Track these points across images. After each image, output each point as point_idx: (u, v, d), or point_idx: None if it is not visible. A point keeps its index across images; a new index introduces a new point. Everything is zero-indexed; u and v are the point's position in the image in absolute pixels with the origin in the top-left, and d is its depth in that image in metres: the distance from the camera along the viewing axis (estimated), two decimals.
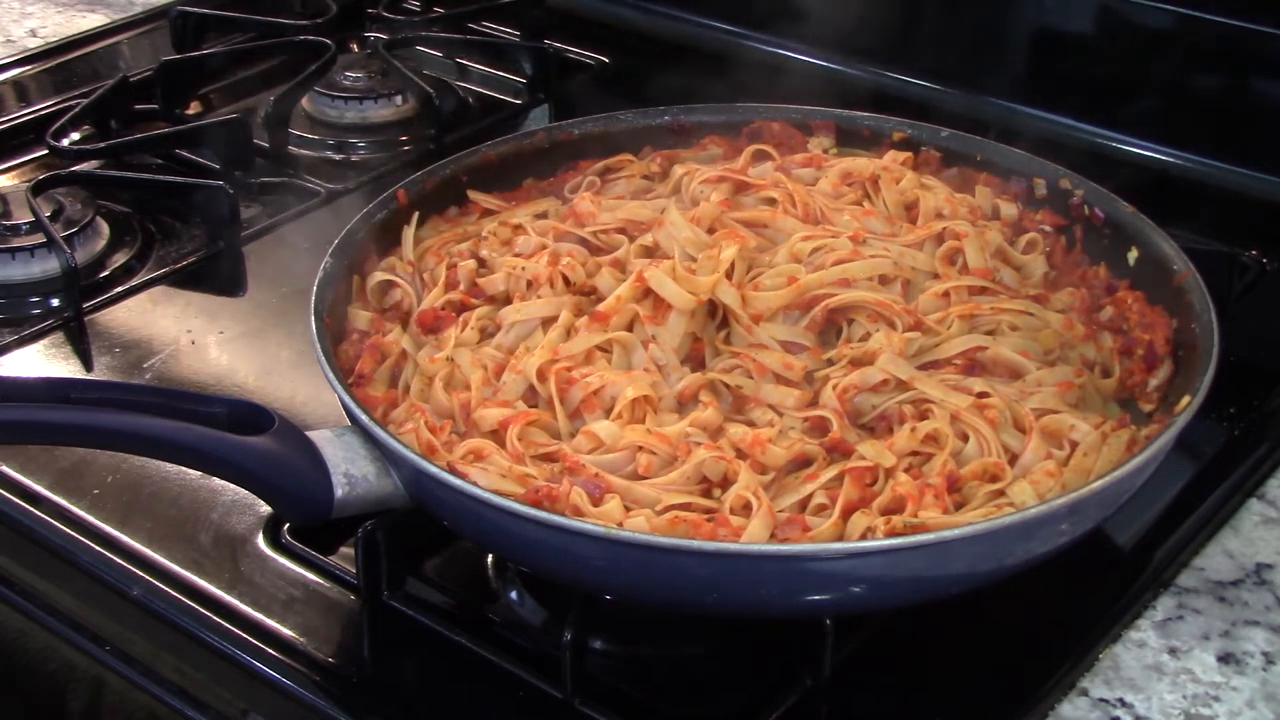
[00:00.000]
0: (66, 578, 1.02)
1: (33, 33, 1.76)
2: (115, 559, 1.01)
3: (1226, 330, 1.01)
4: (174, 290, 1.31)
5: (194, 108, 1.60)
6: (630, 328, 1.04)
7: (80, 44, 1.72)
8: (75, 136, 1.49)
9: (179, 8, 1.68)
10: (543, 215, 1.19)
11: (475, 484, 0.90)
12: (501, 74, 1.66)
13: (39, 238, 1.29)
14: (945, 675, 0.94)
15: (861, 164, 1.21)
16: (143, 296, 1.29)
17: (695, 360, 1.04)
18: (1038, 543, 0.90)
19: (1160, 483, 0.99)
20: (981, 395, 0.99)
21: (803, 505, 0.94)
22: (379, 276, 1.12)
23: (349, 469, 0.94)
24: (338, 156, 1.52)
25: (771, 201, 1.16)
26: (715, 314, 1.05)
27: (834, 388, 0.99)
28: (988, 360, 1.03)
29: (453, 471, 0.92)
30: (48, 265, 1.29)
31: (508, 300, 1.10)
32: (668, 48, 1.66)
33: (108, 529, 1.03)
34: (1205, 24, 1.39)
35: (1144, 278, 1.12)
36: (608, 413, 0.99)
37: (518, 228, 1.16)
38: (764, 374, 1.01)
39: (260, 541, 1.02)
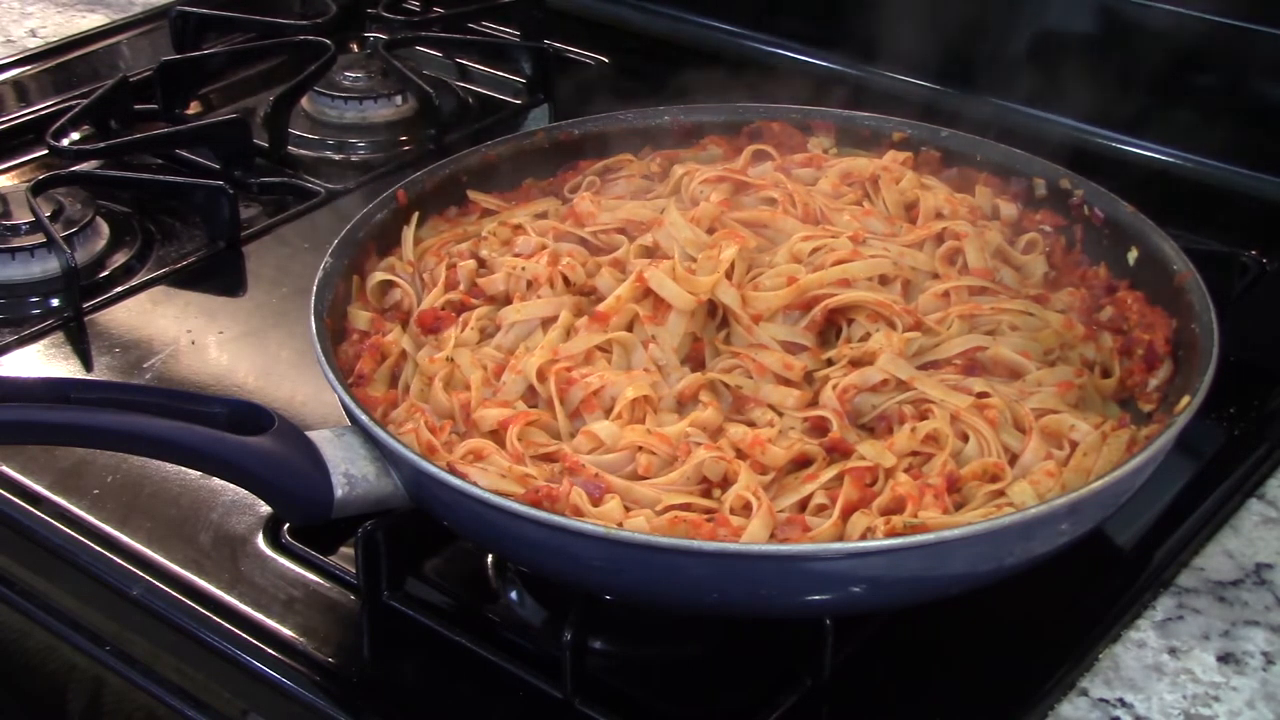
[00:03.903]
0: (66, 578, 1.02)
1: (33, 33, 1.76)
2: (115, 559, 1.01)
3: (1226, 330, 1.01)
4: (174, 290, 1.31)
5: (194, 108, 1.60)
6: (630, 328, 1.04)
7: (80, 44, 1.72)
8: (75, 136, 1.49)
9: (179, 8, 1.68)
10: (543, 215, 1.19)
11: (475, 484, 0.90)
12: (501, 74, 1.65)
13: (39, 238, 1.29)
14: (945, 675, 0.94)
15: (861, 164, 1.21)
16: (143, 296, 1.29)
17: (695, 360, 1.04)
18: (1038, 543, 0.90)
19: (1160, 483, 0.99)
20: (981, 395, 0.99)
21: (803, 505, 0.94)
22: (379, 276, 1.12)
23: (349, 469, 0.94)
24: (338, 156, 1.52)
25: (771, 201, 1.16)
26: (715, 314, 1.05)
27: (834, 388, 0.99)
28: (988, 360, 1.03)
29: (453, 471, 0.92)
30: (48, 265, 1.29)
31: (508, 300, 1.10)
32: (668, 48, 1.67)
33: (108, 529, 1.03)
34: (1205, 24, 1.39)
35: (1144, 278, 1.12)
36: (608, 413, 0.99)
37: (518, 228, 1.16)
38: (764, 374, 1.01)
39: (260, 541, 1.02)
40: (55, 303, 1.28)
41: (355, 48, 1.71)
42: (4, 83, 1.64)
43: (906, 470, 0.95)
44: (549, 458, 0.97)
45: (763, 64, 1.60)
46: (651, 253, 1.10)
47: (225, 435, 0.91)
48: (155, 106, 1.55)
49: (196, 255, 1.35)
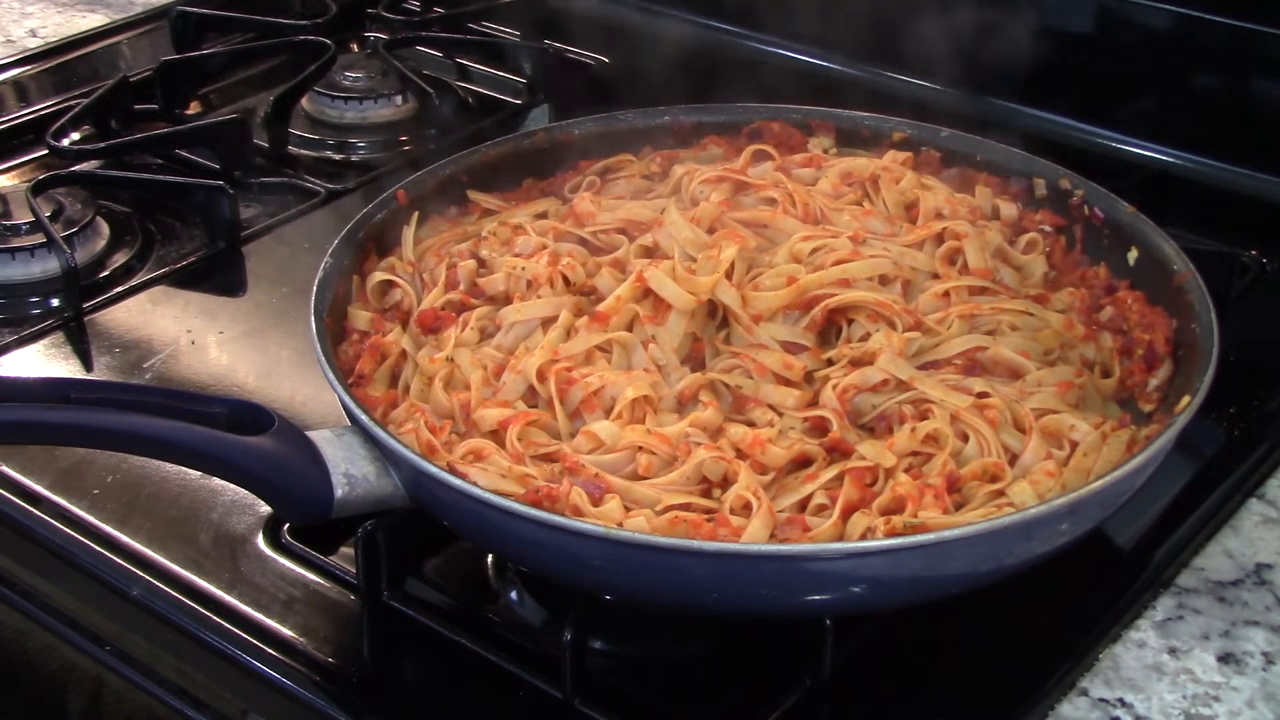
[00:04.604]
0: (66, 578, 1.02)
1: (33, 33, 1.76)
2: (115, 559, 1.01)
3: (1226, 330, 1.01)
4: (174, 290, 1.31)
5: (194, 108, 1.60)
6: (630, 328, 1.04)
7: (80, 44, 1.72)
8: (75, 136, 1.49)
9: (179, 8, 1.68)
10: (543, 215, 1.19)
11: (475, 484, 0.90)
12: (501, 74, 1.65)
13: (39, 238, 1.29)
14: (945, 675, 0.94)
15: (861, 164, 1.21)
16: (143, 296, 1.29)
17: (695, 360, 1.04)
18: (1038, 543, 0.90)
19: (1160, 483, 0.99)
20: (981, 395, 0.99)
21: (803, 505, 0.94)
22: (379, 276, 1.12)
23: (349, 469, 0.94)
24: (338, 156, 1.52)
25: (771, 201, 1.16)
26: (715, 314, 1.05)
27: (834, 388, 0.99)
28: (988, 360, 1.03)
29: (453, 471, 0.92)
30: (48, 265, 1.29)
31: (508, 300, 1.10)
32: (668, 48, 1.66)
33: (108, 529, 1.03)
34: (1205, 24, 1.39)
35: (1144, 278, 1.12)
36: (608, 413, 0.99)
37: (518, 228, 1.16)
38: (764, 374, 1.01)
39: (260, 541, 1.02)
40: (55, 303, 1.28)
41: (355, 48, 1.71)
42: (4, 83, 1.64)
43: (906, 470, 0.95)
44: (549, 458, 0.97)
45: (762, 64, 1.60)
46: (651, 253, 1.10)
47: (225, 435, 0.91)
48: (155, 106, 1.55)
49: (196, 255, 1.35)
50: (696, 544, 0.86)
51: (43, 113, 1.55)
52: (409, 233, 1.16)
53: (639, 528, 0.90)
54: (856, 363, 1.01)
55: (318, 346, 1.00)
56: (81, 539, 1.03)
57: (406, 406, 1.02)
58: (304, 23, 1.68)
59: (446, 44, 1.70)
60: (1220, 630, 0.97)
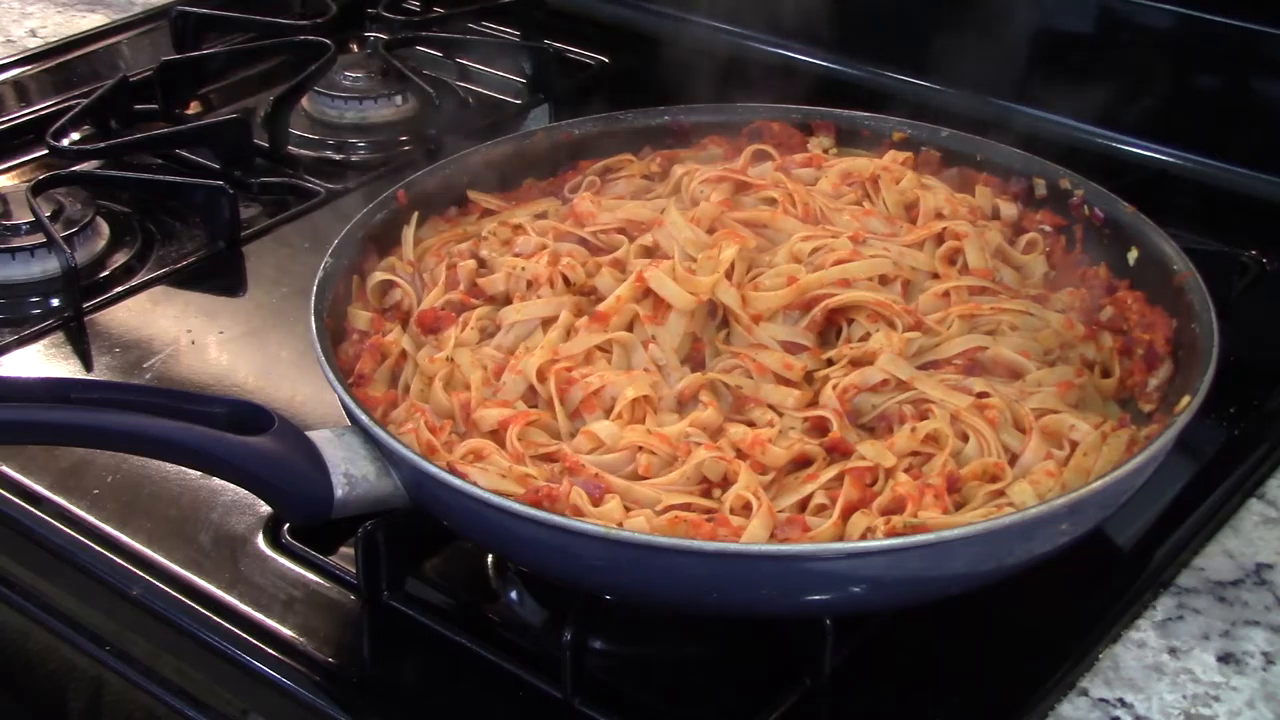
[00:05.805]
0: (66, 578, 1.02)
1: (33, 33, 1.76)
2: (115, 559, 1.01)
3: (1226, 330, 1.01)
4: (174, 290, 1.31)
5: (194, 108, 1.60)
6: (630, 328, 1.04)
7: (80, 44, 1.72)
8: (75, 136, 1.49)
9: (179, 8, 1.68)
10: (543, 215, 1.19)
11: (475, 484, 0.90)
12: (501, 74, 1.66)
13: (39, 238, 1.29)
14: (945, 675, 0.94)
15: (861, 164, 1.21)
16: (143, 296, 1.29)
17: (695, 360, 1.04)
18: (1038, 543, 0.90)
19: (1160, 483, 0.99)
20: (981, 395, 0.99)
21: (803, 505, 0.94)
22: (379, 276, 1.12)
23: (349, 469, 0.94)
24: (338, 156, 1.52)
25: (771, 201, 1.16)
26: (715, 314, 1.05)
27: (834, 388, 0.99)
28: (988, 360, 1.03)
29: (453, 471, 0.92)
30: (48, 265, 1.29)
31: (508, 300, 1.10)
32: (668, 48, 1.66)
33: (108, 529, 1.03)
34: (1205, 24, 1.39)
35: (1144, 278, 1.12)
36: (608, 413, 0.99)
37: (518, 228, 1.16)
38: (764, 374, 1.01)
39: (260, 541, 1.02)
40: (55, 303, 1.28)
41: (355, 48, 1.71)
42: (4, 83, 1.64)
43: (906, 470, 0.95)
44: (549, 458, 0.97)
45: (763, 64, 1.60)
46: (651, 253, 1.10)
47: (225, 435, 0.91)
48: (155, 106, 1.55)
49: (196, 255, 1.35)
50: (696, 544, 0.86)
51: (43, 113, 1.55)
52: (409, 233, 1.16)
53: (639, 528, 0.90)
54: (856, 363, 1.01)
55: (318, 346, 1.00)
56: (81, 539, 1.03)
57: (406, 406, 1.02)
58: (304, 23, 1.68)
59: (446, 44, 1.70)
60: (1220, 630, 0.97)
